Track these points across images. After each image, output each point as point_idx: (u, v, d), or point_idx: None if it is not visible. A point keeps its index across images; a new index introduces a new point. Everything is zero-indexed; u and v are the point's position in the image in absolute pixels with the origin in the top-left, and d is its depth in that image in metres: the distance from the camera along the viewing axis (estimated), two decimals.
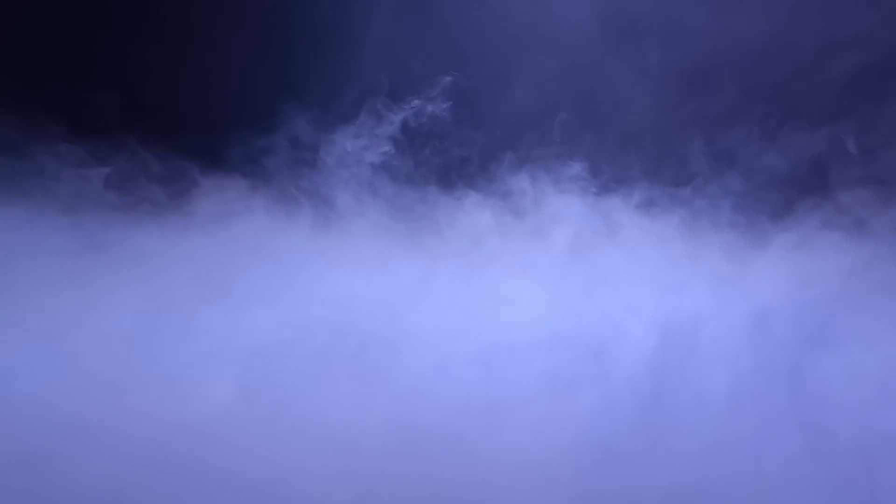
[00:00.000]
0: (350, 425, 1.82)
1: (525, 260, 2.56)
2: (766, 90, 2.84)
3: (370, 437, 1.79)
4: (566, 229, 2.63)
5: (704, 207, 2.66)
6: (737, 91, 2.84)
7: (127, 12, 2.90)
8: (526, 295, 2.36)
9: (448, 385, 1.91)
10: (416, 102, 2.84)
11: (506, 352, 2.02)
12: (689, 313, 2.18)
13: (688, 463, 1.74)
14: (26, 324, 1.98)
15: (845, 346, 1.98)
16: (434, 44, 3.00)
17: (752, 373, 1.99)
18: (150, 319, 2.01)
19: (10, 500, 1.55)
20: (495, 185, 2.80)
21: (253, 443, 1.75)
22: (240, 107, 2.91)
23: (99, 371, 1.85)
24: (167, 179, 2.59)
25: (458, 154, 2.88)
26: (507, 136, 2.93)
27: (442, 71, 2.89)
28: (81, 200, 2.45)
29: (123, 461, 1.65)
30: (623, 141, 2.89)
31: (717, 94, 2.85)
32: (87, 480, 1.61)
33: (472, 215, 2.73)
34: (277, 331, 2.06)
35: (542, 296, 2.38)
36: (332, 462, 1.75)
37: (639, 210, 2.70)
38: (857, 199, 2.52)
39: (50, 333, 1.96)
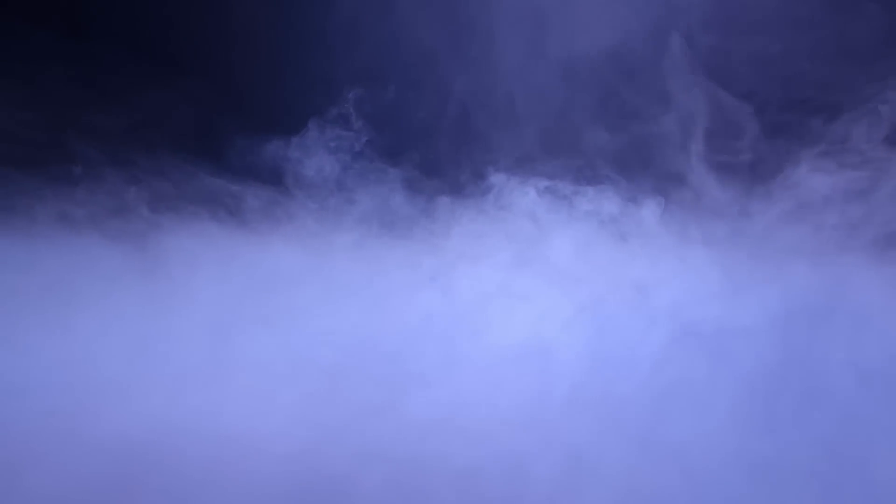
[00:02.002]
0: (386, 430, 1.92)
1: (522, 258, 2.61)
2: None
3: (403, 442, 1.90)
4: (545, 227, 2.70)
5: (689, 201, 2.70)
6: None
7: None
8: (534, 294, 2.46)
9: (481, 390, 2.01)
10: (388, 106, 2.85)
11: (539, 356, 2.13)
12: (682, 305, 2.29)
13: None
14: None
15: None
16: (403, 45, 3.01)
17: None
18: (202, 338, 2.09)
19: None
20: (476, 188, 2.82)
21: (296, 453, 1.87)
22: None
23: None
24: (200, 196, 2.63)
25: (439, 159, 2.90)
26: (484, 140, 2.94)
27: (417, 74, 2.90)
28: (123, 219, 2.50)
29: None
30: (603, 141, 2.89)
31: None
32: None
33: (463, 219, 2.75)
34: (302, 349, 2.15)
35: (549, 294, 2.46)
36: (369, 468, 1.86)
37: (621, 206, 2.74)
38: None
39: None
